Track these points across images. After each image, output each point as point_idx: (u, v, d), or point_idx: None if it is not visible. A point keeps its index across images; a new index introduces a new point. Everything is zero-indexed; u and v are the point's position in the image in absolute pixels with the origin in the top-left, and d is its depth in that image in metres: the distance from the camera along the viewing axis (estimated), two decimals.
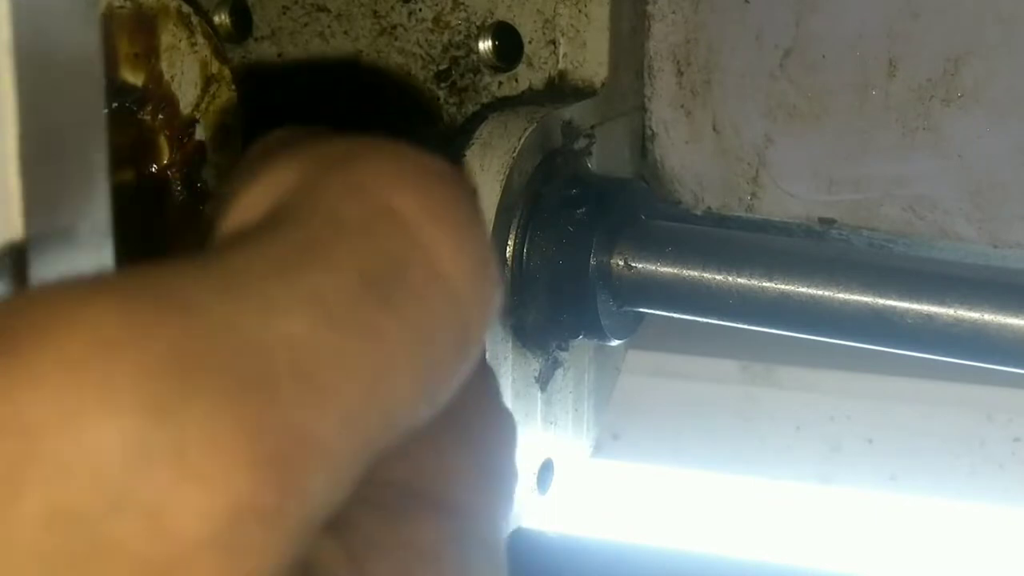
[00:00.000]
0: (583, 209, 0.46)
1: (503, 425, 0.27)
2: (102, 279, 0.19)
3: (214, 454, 0.18)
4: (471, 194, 0.23)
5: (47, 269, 0.26)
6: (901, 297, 0.43)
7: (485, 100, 0.53)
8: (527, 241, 0.46)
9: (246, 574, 0.18)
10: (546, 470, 0.51)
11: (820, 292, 0.44)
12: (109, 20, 0.39)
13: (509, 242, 0.46)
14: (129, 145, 0.40)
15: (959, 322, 0.42)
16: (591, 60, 0.52)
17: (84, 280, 0.19)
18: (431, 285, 0.21)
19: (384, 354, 0.20)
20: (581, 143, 0.49)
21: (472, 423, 0.25)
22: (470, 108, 0.53)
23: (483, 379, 0.27)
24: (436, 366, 0.21)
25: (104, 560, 0.18)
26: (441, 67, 0.54)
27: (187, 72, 0.42)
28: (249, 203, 0.22)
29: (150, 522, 0.18)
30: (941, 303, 0.42)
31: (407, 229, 0.21)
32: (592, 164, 0.50)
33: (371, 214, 0.21)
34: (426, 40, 0.54)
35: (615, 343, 0.50)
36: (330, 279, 0.20)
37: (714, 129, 0.56)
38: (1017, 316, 0.41)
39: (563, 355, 0.50)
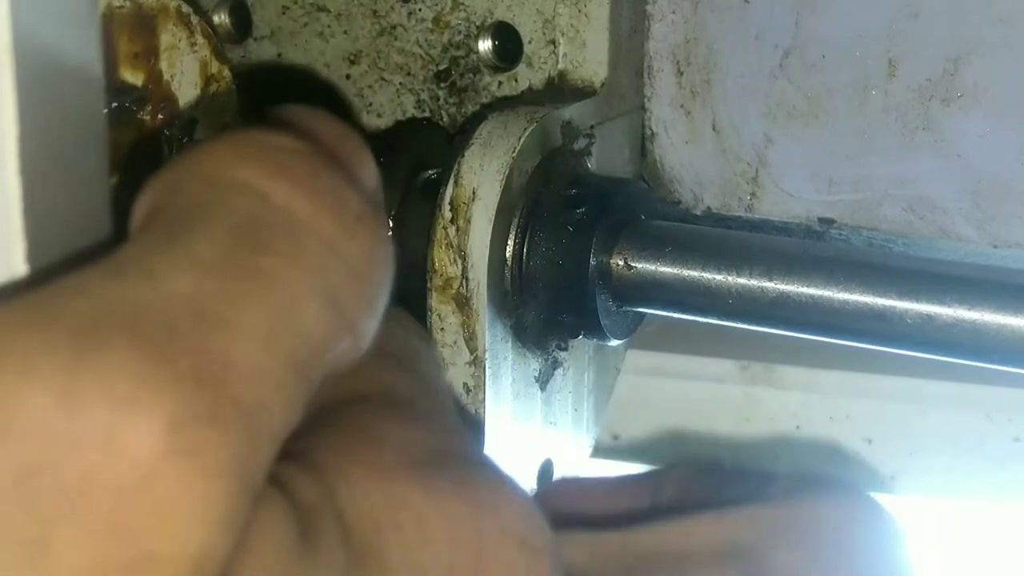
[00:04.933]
0: (583, 209, 0.46)
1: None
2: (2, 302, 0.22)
3: (135, 382, 0.20)
4: (312, 152, 0.26)
5: (47, 268, 0.26)
6: (901, 297, 0.43)
7: (485, 100, 0.53)
8: (527, 241, 0.46)
9: (213, 471, 0.20)
10: (546, 470, 0.51)
11: (820, 292, 0.44)
12: (109, 20, 0.39)
13: (509, 242, 0.46)
14: (129, 145, 0.40)
15: (959, 322, 0.42)
16: (591, 60, 0.52)
17: None
18: (295, 229, 0.24)
19: (274, 286, 0.23)
20: (581, 143, 0.49)
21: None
22: (470, 108, 0.53)
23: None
24: (336, 289, 0.24)
25: (81, 494, 0.20)
26: (441, 67, 0.54)
27: (187, 72, 0.42)
28: (132, 220, 0.25)
29: (106, 451, 0.20)
30: (941, 303, 0.42)
31: (259, 194, 0.24)
32: (592, 164, 0.50)
33: (224, 192, 0.24)
34: (426, 40, 0.54)
35: (615, 343, 0.50)
36: (199, 244, 0.23)
37: (714, 129, 0.56)
38: (1017, 316, 0.41)
39: (563, 355, 0.50)
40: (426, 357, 0.32)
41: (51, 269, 0.26)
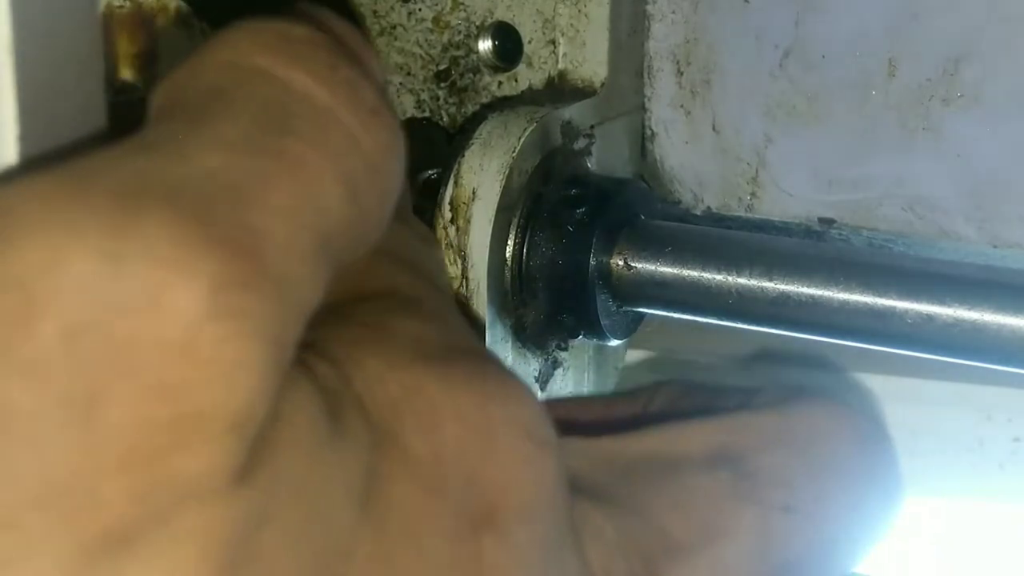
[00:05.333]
0: (583, 209, 0.46)
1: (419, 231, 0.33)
2: (38, 173, 0.22)
3: (178, 246, 0.21)
4: (329, 44, 0.27)
5: None
6: (901, 297, 0.43)
7: (485, 100, 0.53)
8: (527, 241, 0.46)
9: (255, 333, 0.21)
10: None
11: (820, 292, 0.44)
12: (109, 20, 0.39)
13: (509, 242, 0.46)
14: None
15: (959, 322, 0.42)
16: (591, 60, 0.52)
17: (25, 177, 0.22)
18: (317, 116, 0.25)
19: (300, 168, 0.24)
20: (581, 143, 0.49)
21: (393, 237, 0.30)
22: (470, 108, 0.53)
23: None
24: (354, 178, 0.25)
25: (128, 353, 0.20)
26: (441, 67, 0.54)
27: None
28: (152, 106, 0.26)
29: (150, 311, 0.21)
30: (941, 303, 0.42)
31: (280, 82, 0.25)
32: (592, 164, 0.50)
33: (246, 78, 0.25)
34: (426, 40, 0.54)
35: (615, 343, 0.50)
36: (227, 125, 0.24)
37: (714, 129, 0.56)
38: (1017, 316, 0.41)
39: (563, 355, 0.50)
40: (429, 257, 0.32)
41: (46, 156, 0.26)
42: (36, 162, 0.26)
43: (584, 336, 0.48)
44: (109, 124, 0.29)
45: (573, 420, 0.35)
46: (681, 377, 0.36)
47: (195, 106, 0.25)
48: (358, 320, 0.27)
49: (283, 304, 0.22)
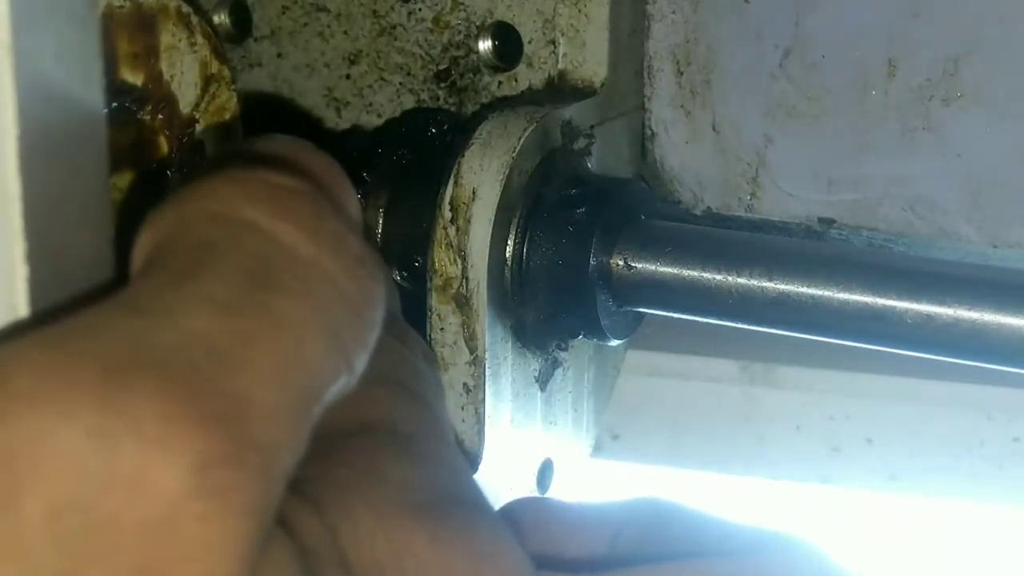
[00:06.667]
0: (583, 209, 0.46)
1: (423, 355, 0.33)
2: (32, 336, 0.23)
3: (165, 423, 0.21)
4: (314, 193, 0.27)
5: (47, 268, 0.26)
6: (901, 297, 0.43)
7: (485, 100, 0.53)
8: (527, 241, 0.46)
9: (236, 511, 0.21)
10: (546, 470, 0.51)
11: (820, 292, 0.44)
12: (109, 20, 0.39)
13: (509, 242, 0.46)
14: (129, 145, 0.40)
15: (959, 322, 0.42)
16: (591, 60, 0.52)
17: (21, 340, 0.23)
18: (302, 270, 0.25)
19: (285, 326, 0.24)
20: (581, 143, 0.49)
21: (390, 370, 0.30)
22: (470, 108, 0.53)
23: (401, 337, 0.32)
24: (339, 328, 0.25)
25: (110, 532, 0.21)
26: (441, 67, 0.54)
27: (187, 72, 0.42)
28: (136, 253, 0.26)
29: (134, 490, 0.21)
30: (941, 303, 0.42)
31: (266, 234, 0.26)
32: (592, 164, 0.50)
33: (234, 231, 0.25)
34: (426, 40, 0.54)
35: (615, 343, 0.50)
36: (216, 283, 0.24)
37: (714, 129, 0.56)
38: (1017, 316, 0.41)
39: (563, 355, 0.50)
40: (428, 379, 0.32)
41: (59, 307, 0.26)
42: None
43: (584, 336, 0.48)
44: (109, 125, 0.29)
45: (547, 552, 0.35)
46: (651, 498, 0.36)
47: (183, 259, 0.25)
48: (349, 459, 0.27)
49: (267, 473, 0.22)
